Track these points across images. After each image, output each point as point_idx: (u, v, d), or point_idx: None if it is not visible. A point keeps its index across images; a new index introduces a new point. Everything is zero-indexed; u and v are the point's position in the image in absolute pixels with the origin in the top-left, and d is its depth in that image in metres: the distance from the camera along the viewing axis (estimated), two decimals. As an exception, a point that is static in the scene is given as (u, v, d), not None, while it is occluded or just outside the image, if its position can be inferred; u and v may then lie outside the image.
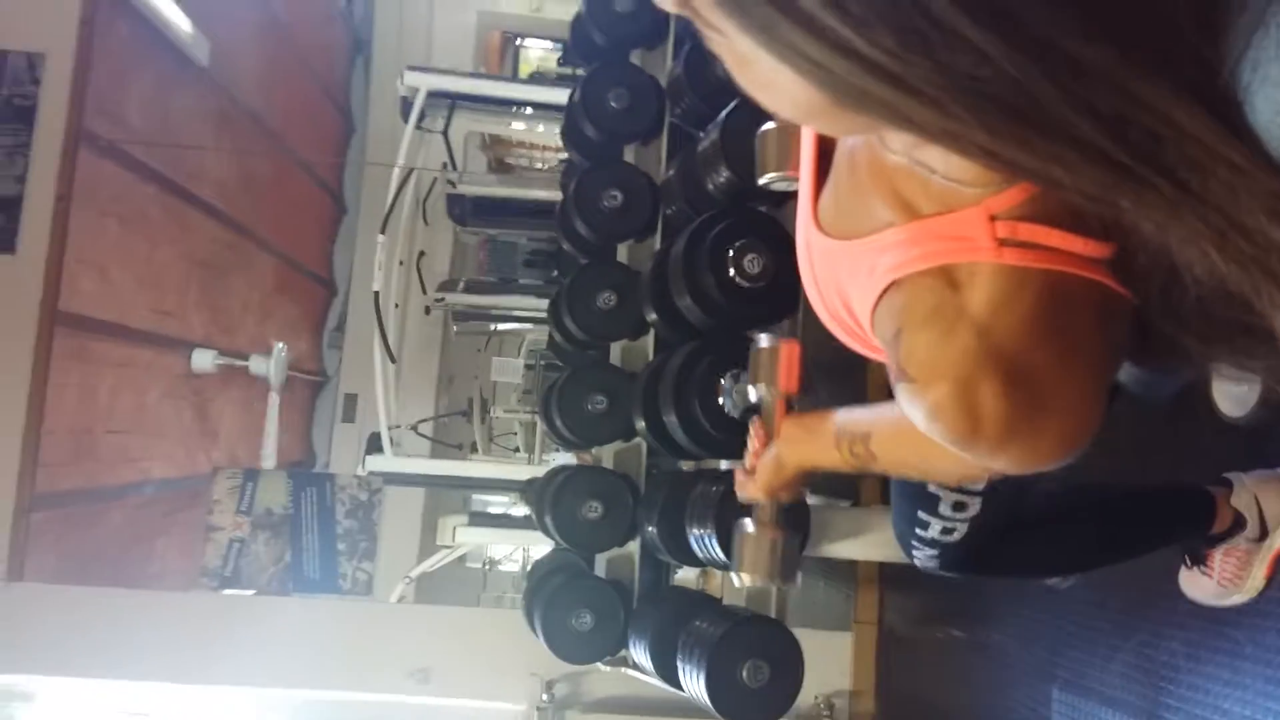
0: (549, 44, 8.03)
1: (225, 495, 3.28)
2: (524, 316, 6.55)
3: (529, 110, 6.03)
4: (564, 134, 2.97)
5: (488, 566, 7.05)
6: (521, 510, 5.65)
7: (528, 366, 6.45)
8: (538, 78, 7.13)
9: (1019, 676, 2.25)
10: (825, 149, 0.82)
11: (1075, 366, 0.65)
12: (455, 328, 6.44)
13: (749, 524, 1.13)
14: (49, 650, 2.86)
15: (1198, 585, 1.67)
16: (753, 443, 1.20)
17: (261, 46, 5.12)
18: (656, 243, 2.65)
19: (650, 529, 2.36)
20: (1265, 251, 0.47)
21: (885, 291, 0.69)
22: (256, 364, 4.50)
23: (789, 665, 2.11)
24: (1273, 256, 0.47)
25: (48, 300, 3.28)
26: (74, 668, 2.87)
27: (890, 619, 2.84)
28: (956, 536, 1.39)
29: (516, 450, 7.63)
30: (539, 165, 8.03)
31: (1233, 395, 1.63)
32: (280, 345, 4.60)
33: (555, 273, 6.36)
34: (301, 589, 3.19)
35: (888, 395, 0.84)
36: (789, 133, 1.05)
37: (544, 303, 6.08)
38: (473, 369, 6.83)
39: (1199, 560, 1.64)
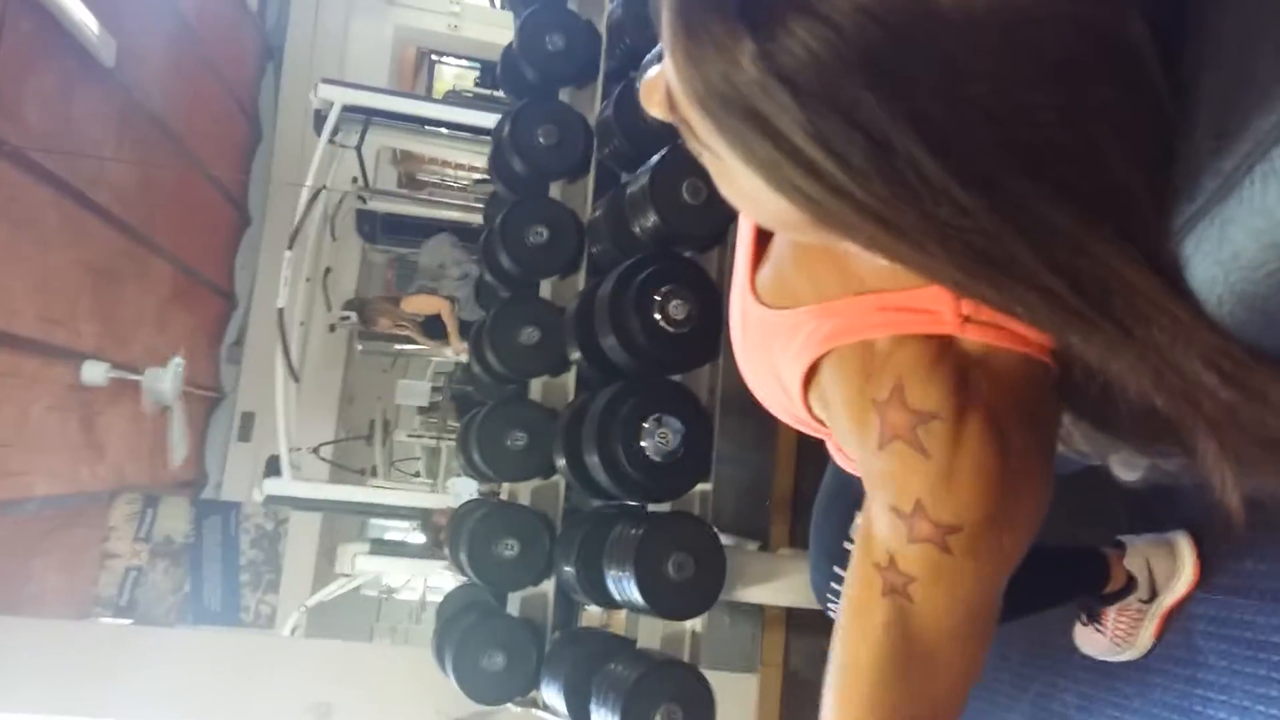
0: (464, 62, 7.99)
1: (123, 521, 3.13)
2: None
3: (443, 131, 6.00)
4: (491, 166, 2.96)
5: (385, 595, 6.88)
6: (420, 538, 5.54)
7: (435, 389, 6.37)
8: (453, 97, 7.09)
9: (919, 720, 2.32)
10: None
11: (1046, 436, 0.68)
12: (360, 347, 6.32)
13: None
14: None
15: (1092, 641, 1.76)
16: None
17: (169, 48, 4.95)
18: (581, 280, 2.67)
19: (567, 569, 2.36)
20: (1194, 388, 0.53)
21: (826, 356, 0.71)
22: (151, 378, 4.32)
23: (702, 710, 2.13)
24: (1200, 393, 0.53)
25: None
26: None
27: (795, 662, 2.89)
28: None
29: (417, 475, 7.49)
30: (451, 183, 7.96)
31: (1125, 460, 1.73)
32: (177, 359, 4.43)
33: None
34: (201, 620, 3.07)
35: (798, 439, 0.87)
36: None
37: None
38: (376, 390, 6.70)
39: (1094, 618, 1.73)
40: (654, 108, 0.59)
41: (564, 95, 2.83)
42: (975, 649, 0.69)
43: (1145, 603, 1.66)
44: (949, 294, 0.64)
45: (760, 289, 0.81)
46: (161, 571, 3.11)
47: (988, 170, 0.48)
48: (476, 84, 7.14)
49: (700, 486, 2.35)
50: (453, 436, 6.98)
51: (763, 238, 0.84)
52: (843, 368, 0.70)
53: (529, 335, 2.59)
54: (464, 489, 4.82)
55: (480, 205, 6.91)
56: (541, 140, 2.64)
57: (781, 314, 0.76)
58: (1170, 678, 1.61)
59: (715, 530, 2.22)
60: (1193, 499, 1.59)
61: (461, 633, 2.52)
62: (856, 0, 0.45)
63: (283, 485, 4.64)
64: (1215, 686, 1.50)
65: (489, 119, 5.75)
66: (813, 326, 0.72)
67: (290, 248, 4.82)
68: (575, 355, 2.45)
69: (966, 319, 0.64)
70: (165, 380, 4.31)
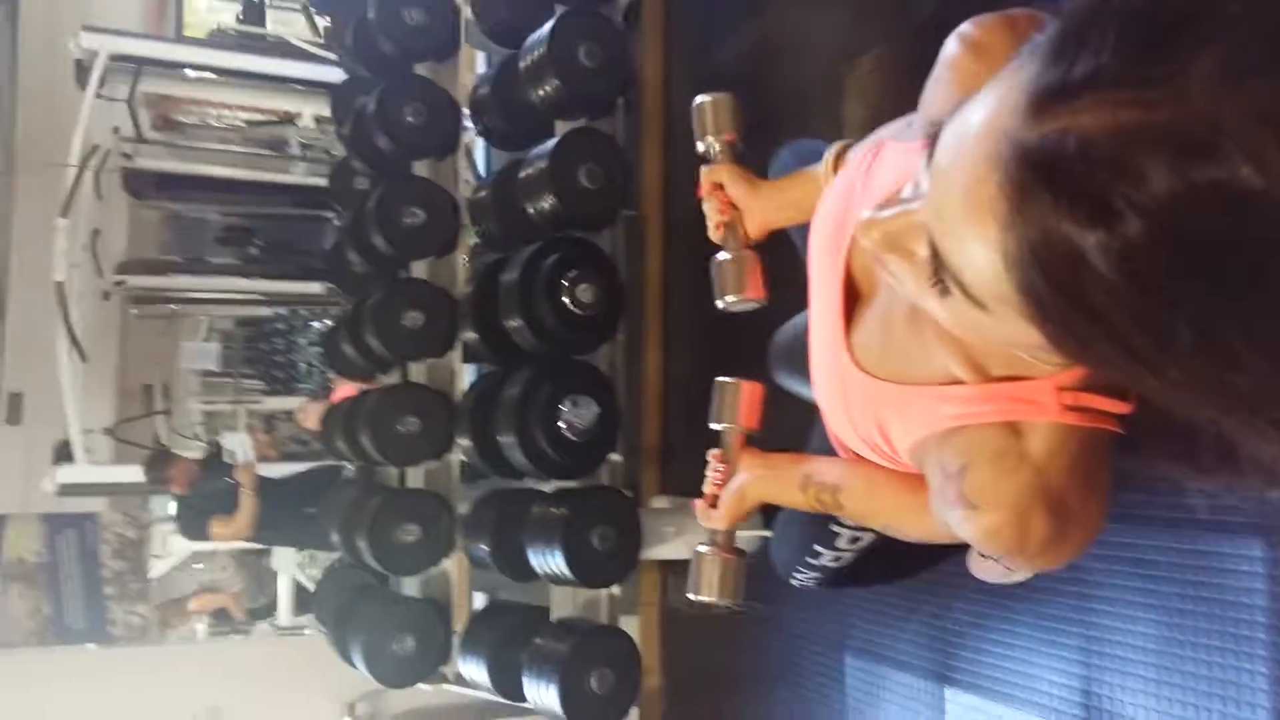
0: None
1: (-33, 549, 2.79)
2: (213, 298, 6.06)
3: (211, 75, 5.56)
4: (350, 142, 2.84)
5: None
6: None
7: (226, 348, 6.01)
8: (220, 36, 6.53)
9: (810, 645, 2.57)
10: (850, 282, 0.95)
11: (1095, 495, 0.83)
12: (135, 311, 5.81)
13: (708, 549, 1.17)
14: None
15: (985, 568, 2.03)
16: (713, 474, 1.21)
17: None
18: (457, 260, 2.65)
19: (483, 548, 2.40)
20: None
21: (941, 431, 0.84)
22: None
23: (629, 669, 2.28)
24: None
25: None
26: None
27: (674, 599, 3.08)
28: (843, 563, 1.60)
29: (196, 438, 7.05)
30: (214, 123, 7.35)
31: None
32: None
33: (253, 250, 5.95)
34: (66, 640, 2.82)
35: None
36: (745, 262, 1.17)
37: (242, 282, 5.73)
38: (152, 355, 6.20)
39: (989, 550, 2.01)
40: (879, 247, 0.65)
41: (422, 69, 2.75)
42: None
43: (1032, 533, 1.94)
44: (1053, 388, 0.76)
45: (859, 352, 0.91)
46: (16, 595, 2.82)
47: None
48: (240, 20, 6.58)
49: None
50: (251, 399, 6.64)
51: (850, 295, 0.94)
52: (945, 442, 0.83)
53: (414, 319, 2.55)
54: (237, 445, 4.74)
55: (257, 153, 6.50)
56: (410, 119, 2.57)
57: (892, 388, 0.87)
58: (1059, 594, 1.91)
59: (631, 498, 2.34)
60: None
61: (369, 621, 2.51)
62: (1184, 187, 0.45)
63: (78, 472, 4.27)
64: (1102, 599, 1.81)
65: (272, 64, 5.42)
66: (926, 407, 0.84)
67: (64, 215, 4.35)
68: (470, 337, 2.46)
69: (1066, 408, 0.77)
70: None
